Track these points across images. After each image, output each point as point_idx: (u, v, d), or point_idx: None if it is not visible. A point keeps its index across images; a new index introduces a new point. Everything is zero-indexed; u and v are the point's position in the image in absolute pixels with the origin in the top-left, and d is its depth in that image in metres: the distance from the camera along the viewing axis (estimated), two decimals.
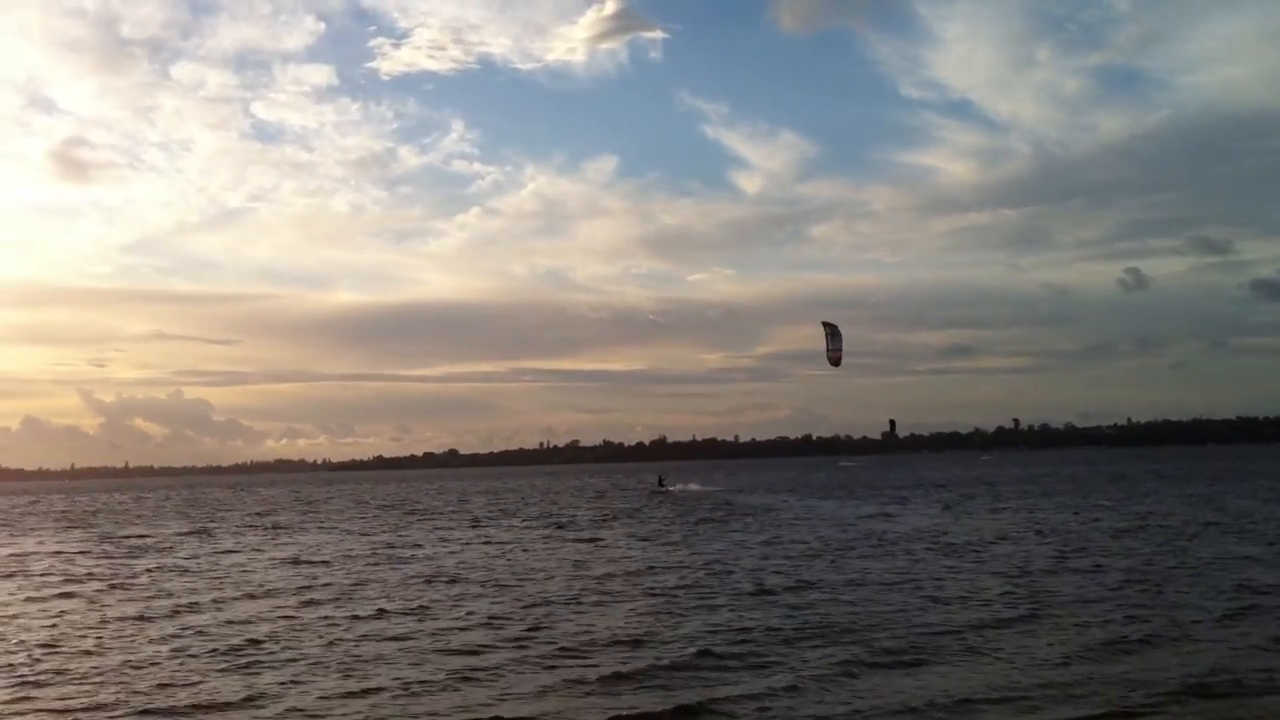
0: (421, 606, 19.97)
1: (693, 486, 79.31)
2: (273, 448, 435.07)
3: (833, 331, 41.15)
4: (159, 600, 21.85)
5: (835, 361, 40.96)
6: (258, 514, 61.37)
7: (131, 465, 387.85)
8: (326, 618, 18.84)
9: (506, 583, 23.22)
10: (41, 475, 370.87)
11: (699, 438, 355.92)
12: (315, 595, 22.09)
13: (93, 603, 21.89)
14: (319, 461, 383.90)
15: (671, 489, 76.23)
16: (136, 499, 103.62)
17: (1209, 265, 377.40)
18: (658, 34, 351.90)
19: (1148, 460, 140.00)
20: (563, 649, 15.41)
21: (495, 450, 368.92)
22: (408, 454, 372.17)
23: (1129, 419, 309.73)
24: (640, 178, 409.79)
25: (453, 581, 23.72)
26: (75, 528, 51.95)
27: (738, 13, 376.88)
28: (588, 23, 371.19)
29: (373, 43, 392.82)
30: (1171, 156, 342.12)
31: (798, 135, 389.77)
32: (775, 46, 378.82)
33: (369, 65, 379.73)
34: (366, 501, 76.88)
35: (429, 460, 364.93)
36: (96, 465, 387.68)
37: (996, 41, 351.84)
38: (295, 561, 29.53)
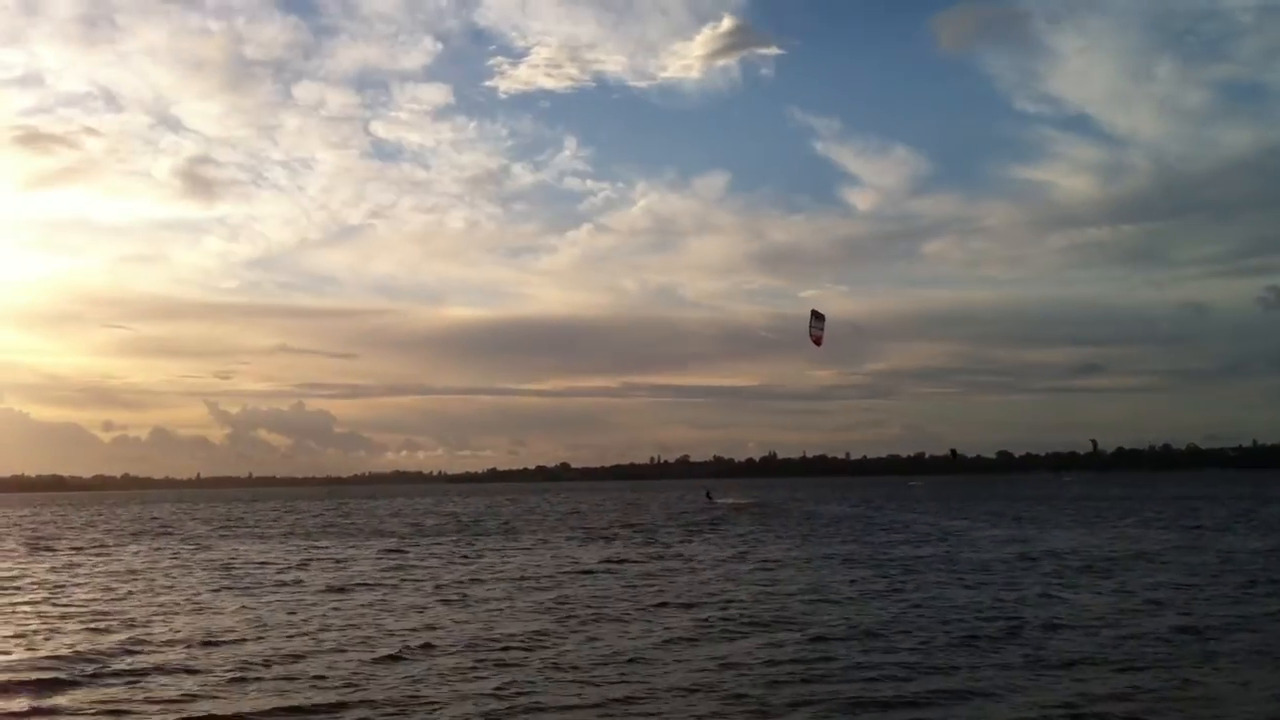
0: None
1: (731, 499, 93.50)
2: (392, 459, 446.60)
3: (816, 314, 43.55)
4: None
5: (817, 341, 43.24)
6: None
7: (255, 475, 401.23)
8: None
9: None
10: (169, 484, 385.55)
11: (809, 454, 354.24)
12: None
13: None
14: (436, 474, 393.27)
15: (719, 501, 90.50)
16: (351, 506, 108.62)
17: None
18: (772, 50, 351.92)
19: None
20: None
21: (607, 465, 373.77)
22: (521, 467, 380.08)
23: (1254, 441, 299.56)
24: (751, 194, 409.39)
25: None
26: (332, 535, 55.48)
27: (852, 28, 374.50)
28: (704, 40, 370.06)
29: (491, 61, 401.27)
30: None
31: (910, 151, 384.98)
32: (888, 62, 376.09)
33: (486, 84, 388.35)
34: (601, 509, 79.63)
35: (542, 474, 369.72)
36: (221, 475, 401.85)
37: (1115, 55, 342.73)
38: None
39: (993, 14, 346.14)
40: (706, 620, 21.69)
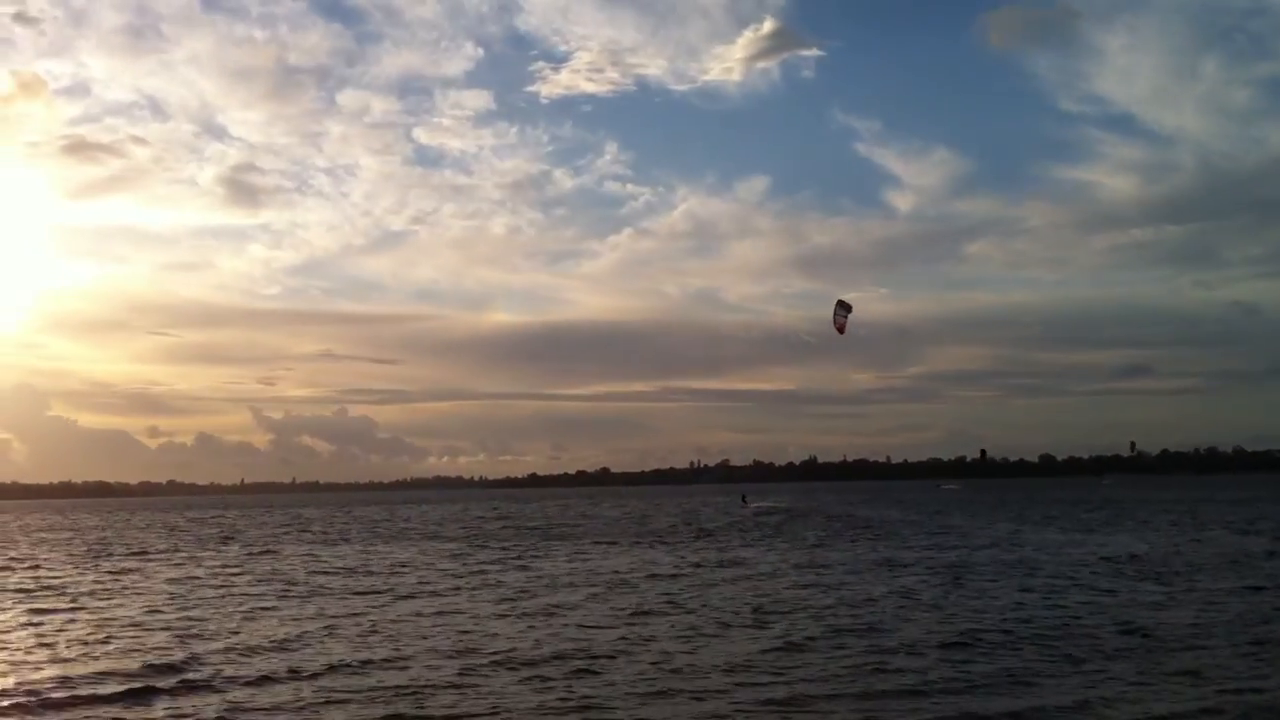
0: None
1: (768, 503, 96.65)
2: (434, 465, 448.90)
3: (842, 303, 43.46)
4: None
5: (840, 328, 43.24)
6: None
7: (299, 481, 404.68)
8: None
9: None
10: (214, 490, 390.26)
11: (850, 458, 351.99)
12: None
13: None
14: (477, 479, 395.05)
15: (754, 505, 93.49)
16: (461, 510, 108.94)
17: None
18: (813, 52, 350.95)
19: None
20: None
21: (648, 469, 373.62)
22: (562, 472, 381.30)
23: None
24: (791, 197, 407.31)
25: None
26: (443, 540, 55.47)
27: (894, 30, 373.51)
28: (744, 42, 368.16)
29: (532, 67, 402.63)
30: None
31: (952, 151, 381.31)
32: (929, 63, 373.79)
33: (528, 89, 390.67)
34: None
35: (582, 478, 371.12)
36: (265, 481, 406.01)
37: (1160, 53, 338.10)
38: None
39: (1039, 14, 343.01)
40: (789, 628, 21.01)
